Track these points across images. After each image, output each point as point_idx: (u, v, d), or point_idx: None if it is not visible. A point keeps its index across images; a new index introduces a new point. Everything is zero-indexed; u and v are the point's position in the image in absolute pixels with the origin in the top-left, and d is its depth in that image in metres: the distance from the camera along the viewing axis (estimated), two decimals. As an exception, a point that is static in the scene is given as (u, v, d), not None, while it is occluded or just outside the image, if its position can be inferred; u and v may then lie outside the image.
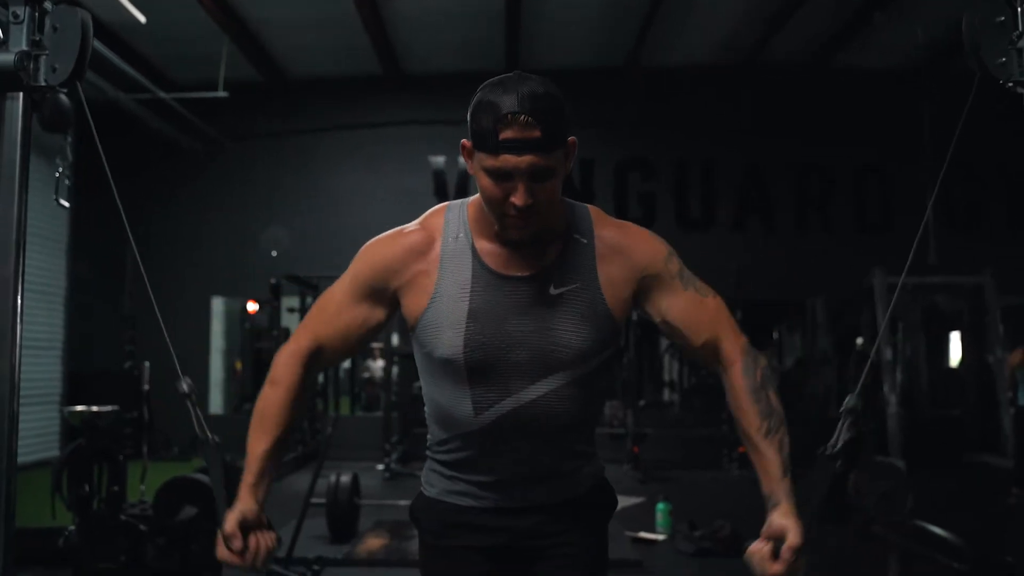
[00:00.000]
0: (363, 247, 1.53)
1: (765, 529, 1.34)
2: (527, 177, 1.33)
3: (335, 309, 1.51)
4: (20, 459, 1.37)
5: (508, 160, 1.32)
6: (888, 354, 7.34)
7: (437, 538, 1.56)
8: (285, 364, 1.50)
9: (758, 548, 1.34)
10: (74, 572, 4.19)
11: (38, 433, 8.91)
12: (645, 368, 12.65)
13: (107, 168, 1.51)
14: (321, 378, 11.01)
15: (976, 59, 1.52)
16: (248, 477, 1.44)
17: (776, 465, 1.38)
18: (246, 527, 1.40)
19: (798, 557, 1.30)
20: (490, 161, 1.34)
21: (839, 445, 1.38)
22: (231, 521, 1.39)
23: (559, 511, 1.54)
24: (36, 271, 8.87)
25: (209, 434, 1.48)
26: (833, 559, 5.10)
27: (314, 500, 4.92)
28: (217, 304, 10.93)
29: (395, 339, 8.68)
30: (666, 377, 14.38)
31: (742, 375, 1.45)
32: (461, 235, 1.47)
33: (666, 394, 14.08)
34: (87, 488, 4.35)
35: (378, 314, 1.51)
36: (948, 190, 10.10)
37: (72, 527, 4.27)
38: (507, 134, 1.31)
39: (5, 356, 1.32)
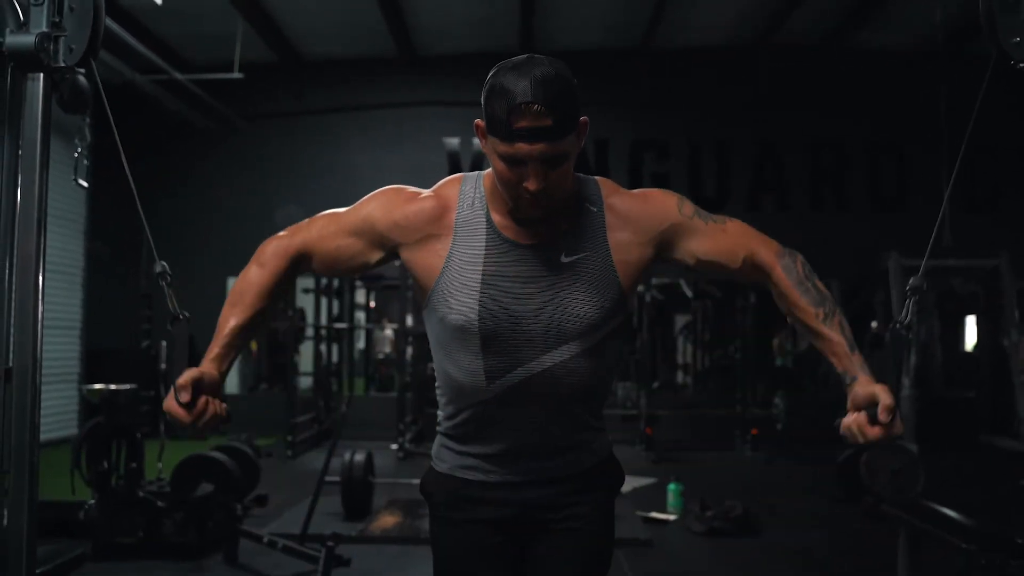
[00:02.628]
0: (384, 189, 1.55)
1: (851, 402, 1.38)
2: (540, 163, 1.36)
3: (335, 230, 1.54)
4: (42, 437, 1.40)
5: (521, 148, 1.34)
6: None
7: (447, 512, 1.59)
8: (274, 252, 1.53)
9: (853, 418, 1.38)
10: (93, 545, 4.27)
11: (58, 411, 9.02)
12: (659, 350, 12.66)
13: (120, 145, 1.54)
14: (336, 358, 11.08)
15: (992, 39, 1.51)
16: (214, 348, 1.45)
17: (843, 344, 1.42)
18: (200, 388, 1.40)
19: (895, 416, 1.34)
20: (503, 147, 1.36)
21: (908, 319, 1.47)
22: (186, 376, 1.39)
23: (567, 484, 1.57)
24: (55, 251, 8.95)
25: (180, 311, 1.53)
26: (843, 538, 5.12)
27: (329, 478, 4.97)
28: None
29: (409, 320, 8.72)
30: (680, 359, 14.39)
31: (784, 274, 1.49)
32: (476, 203, 1.50)
33: (680, 376, 14.11)
34: (106, 465, 4.42)
35: (370, 256, 1.54)
36: (965, 172, 10.01)
37: (91, 501, 4.34)
38: (520, 123, 1.33)
39: (28, 332, 1.36)
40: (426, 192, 1.54)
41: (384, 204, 1.53)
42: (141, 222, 1.62)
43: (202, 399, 1.40)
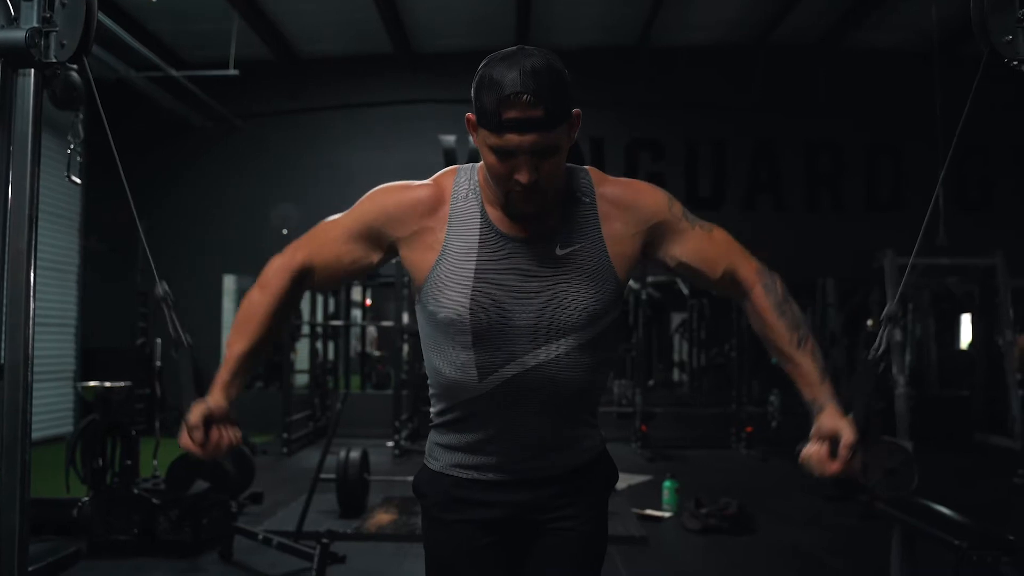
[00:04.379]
0: (373, 190, 1.54)
1: (815, 431, 1.38)
2: (530, 155, 1.34)
3: (333, 238, 1.52)
4: (36, 434, 1.40)
5: (511, 139, 1.33)
6: (897, 335, 7.33)
7: (440, 512, 1.57)
8: (276, 273, 1.52)
9: (814, 450, 1.38)
10: (88, 543, 4.26)
11: (53, 409, 9.02)
12: (654, 348, 12.68)
13: (112, 142, 1.53)
14: (332, 355, 11.08)
15: (983, 37, 1.51)
16: (223, 374, 1.47)
17: (814, 372, 1.42)
18: (211, 420, 1.43)
19: (854, 454, 1.34)
20: (494, 139, 1.35)
21: (881, 349, 1.46)
22: (197, 413, 1.42)
23: (560, 484, 1.55)
24: (50, 248, 8.94)
25: (184, 335, 1.53)
26: (837, 535, 5.13)
27: (324, 476, 4.97)
28: (228, 281, 10.99)
29: (405, 318, 8.72)
30: (676, 357, 14.41)
31: (764, 295, 1.49)
32: (471, 196, 1.48)
33: (675, 374, 14.13)
34: (101, 462, 4.42)
35: (371, 257, 1.53)
36: (959, 171, 10.03)
37: (86, 498, 4.34)
38: (510, 114, 1.31)
39: (20, 329, 1.35)
40: (421, 182, 1.53)
41: (377, 200, 1.52)
42: (139, 234, 1.62)
43: (214, 432, 1.43)
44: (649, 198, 1.52)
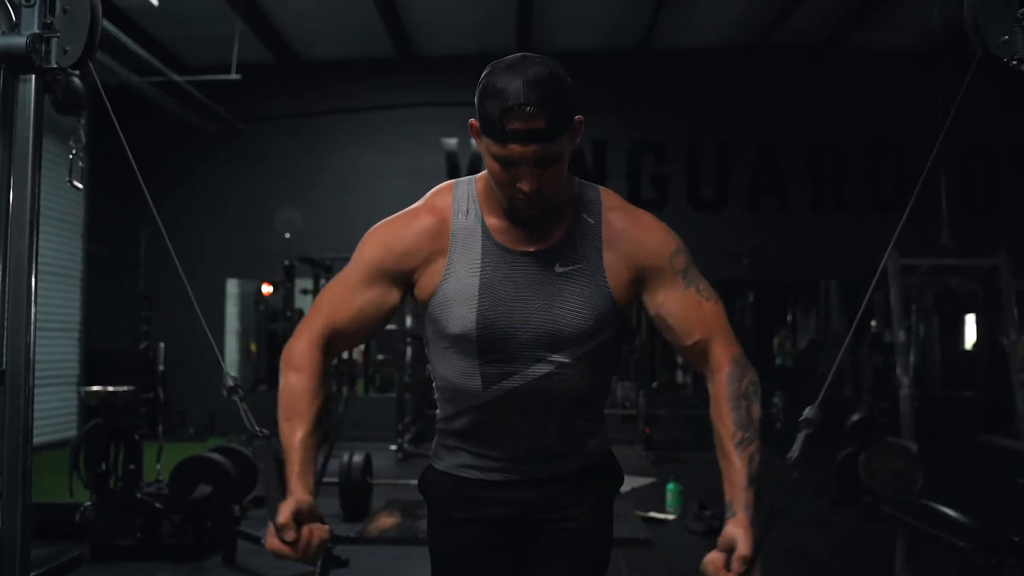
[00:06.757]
0: (372, 230, 1.52)
1: (720, 539, 1.32)
2: (533, 164, 1.35)
3: (349, 293, 1.49)
4: (40, 439, 1.40)
5: (514, 150, 1.33)
6: (901, 336, 7.32)
7: (445, 510, 1.59)
8: (303, 352, 1.47)
9: (713, 559, 1.31)
10: (91, 547, 4.26)
11: (57, 413, 9.02)
12: (658, 350, 12.67)
13: (127, 148, 1.53)
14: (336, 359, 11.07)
15: (977, 37, 1.50)
16: (293, 467, 1.39)
17: (743, 476, 1.36)
18: (300, 519, 1.32)
19: (748, 568, 1.28)
20: (497, 148, 1.35)
21: (796, 454, 1.39)
22: (285, 512, 1.31)
23: (565, 485, 1.57)
24: (54, 253, 8.95)
25: (259, 428, 1.44)
26: (841, 537, 5.12)
27: (327, 479, 4.97)
28: (231, 286, 11.00)
29: (408, 321, 8.72)
30: (679, 359, 14.39)
31: (727, 382, 1.43)
32: (471, 211, 1.49)
33: (679, 376, 14.12)
34: (104, 466, 4.42)
35: (393, 297, 1.50)
36: (963, 172, 10.02)
37: (89, 502, 4.34)
38: (513, 125, 1.31)
39: (20, 334, 1.35)
40: (419, 208, 1.52)
41: (380, 242, 1.50)
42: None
43: (305, 530, 1.32)
44: (653, 239, 1.50)
